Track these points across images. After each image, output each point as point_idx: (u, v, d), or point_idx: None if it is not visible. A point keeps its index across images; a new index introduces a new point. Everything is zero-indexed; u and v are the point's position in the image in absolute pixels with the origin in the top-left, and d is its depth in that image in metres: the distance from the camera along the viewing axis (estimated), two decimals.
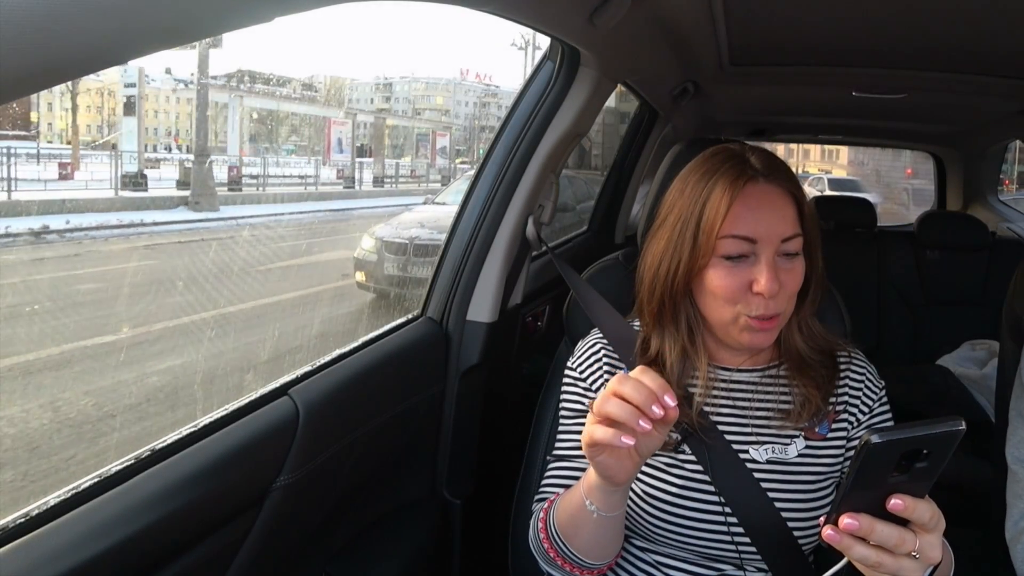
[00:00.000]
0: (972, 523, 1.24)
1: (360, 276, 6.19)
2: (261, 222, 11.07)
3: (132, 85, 16.24)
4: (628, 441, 0.70)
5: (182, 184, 12.48)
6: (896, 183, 16.00)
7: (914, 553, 0.64)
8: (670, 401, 0.69)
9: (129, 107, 16.18)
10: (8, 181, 9.67)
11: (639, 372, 0.71)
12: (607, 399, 0.71)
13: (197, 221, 9.54)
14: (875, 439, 0.59)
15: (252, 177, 16.13)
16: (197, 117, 14.47)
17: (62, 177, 11.86)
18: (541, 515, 0.92)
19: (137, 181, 11.73)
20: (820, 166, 23.32)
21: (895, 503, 0.62)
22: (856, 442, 0.94)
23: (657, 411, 0.69)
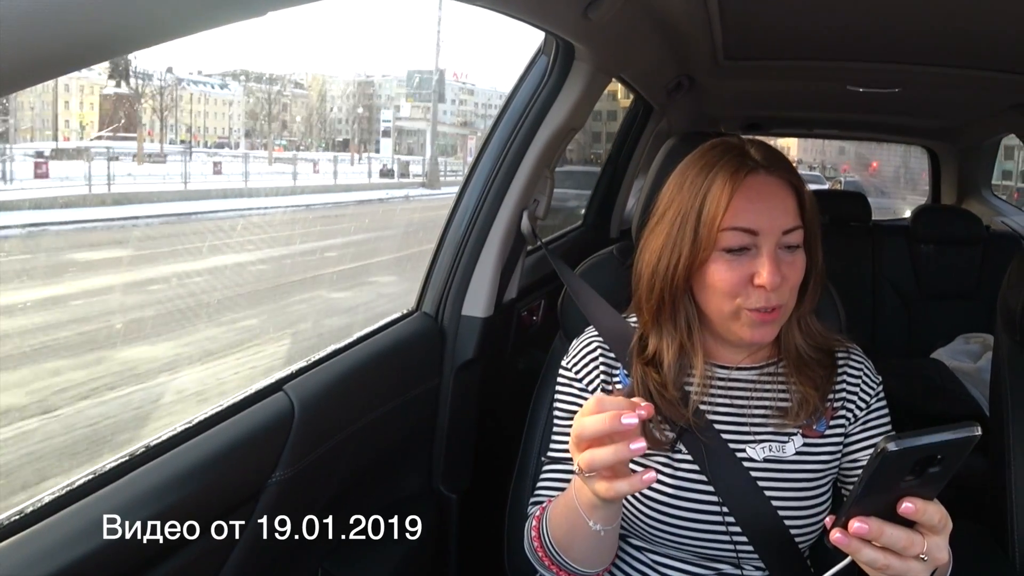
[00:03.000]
0: (965, 516, 1.25)
1: None
2: None
3: (388, 121, 31.36)
4: (638, 445, 0.67)
5: (399, 175, 21.02)
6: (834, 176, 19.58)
7: (922, 555, 0.64)
8: (643, 412, 0.69)
9: (386, 133, 31.04)
10: (335, 175, 18.91)
11: (596, 398, 0.71)
12: (582, 423, 0.70)
13: (435, 194, 16.63)
14: (892, 447, 0.58)
15: None
16: (431, 138, 26.88)
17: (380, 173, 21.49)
18: (534, 523, 0.91)
19: (388, 174, 20.64)
20: None
21: (907, 507, 0.62)
22: (853, 438, 0.94)
23: (642, 412, 0.69)
